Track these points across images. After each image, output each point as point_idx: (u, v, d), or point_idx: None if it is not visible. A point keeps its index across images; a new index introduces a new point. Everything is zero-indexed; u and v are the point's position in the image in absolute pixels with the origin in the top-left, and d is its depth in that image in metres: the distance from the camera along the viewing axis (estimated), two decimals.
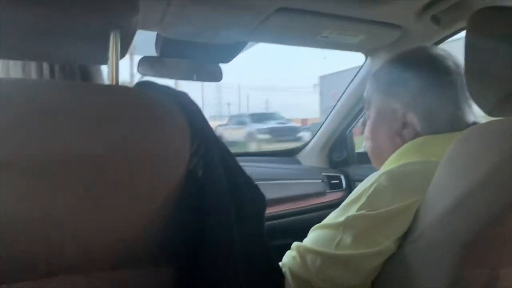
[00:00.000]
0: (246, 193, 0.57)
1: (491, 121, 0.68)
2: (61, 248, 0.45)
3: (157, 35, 1.19)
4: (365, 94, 0.95)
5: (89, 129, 0.43)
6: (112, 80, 0.50)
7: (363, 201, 0.72)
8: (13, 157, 0.41)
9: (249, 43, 1.29)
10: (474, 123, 0.82)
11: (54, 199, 0.43)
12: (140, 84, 0.53)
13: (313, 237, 0.78)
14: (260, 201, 0.60)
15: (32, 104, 0.43)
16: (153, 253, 0.51)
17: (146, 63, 1.23)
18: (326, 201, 1.63)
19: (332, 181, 1.69)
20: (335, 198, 1.65)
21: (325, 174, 1.71)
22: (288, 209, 1.52)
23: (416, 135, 0.83)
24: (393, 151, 0.85)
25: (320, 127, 1.81)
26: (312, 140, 1.85)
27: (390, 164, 0.81)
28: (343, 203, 0.77)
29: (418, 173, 0.74)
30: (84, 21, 0.49)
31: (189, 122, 0.49)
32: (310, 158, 1.84)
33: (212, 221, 0.50)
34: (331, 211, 0.80)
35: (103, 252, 0.48)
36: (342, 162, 1.81)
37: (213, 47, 1.25)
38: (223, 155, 0.54)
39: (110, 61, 0.50)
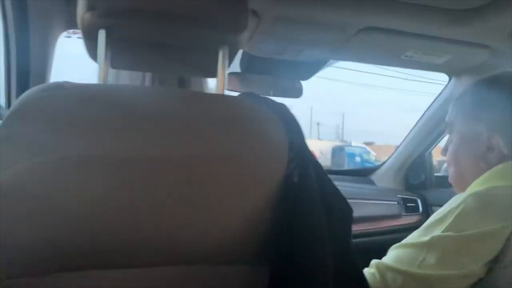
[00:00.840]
0: (336, 203, 0.58)
1: None
2: (167, 240, 0.50)
3: (243, 52, 1.25)
4: (447, 118, 0.93)
5: (203, 132, 0.47)
6: (221, 91, 0.55)
7: (450, 221, 0.71)
8: (125, 155, 0.45)
9: (330, 61, 1.32)
10: None
11: (162, 194, 0.47)
12: (244, 95, 0.57)
13: (394, 255, 0.77)
14: (348, 212, 0.61)
15: (148, 109, 0.48)
16: (249, 251, 0.54)
17: (232, 78, 1.29)
18: (401, 224, 1.58)
19: (408, 204, 1.64)
20: (411, 221, 1.60)
21: (401, 196, 1.66)
22: (362, 229, 1.50)
23: (502, 158, 0.81)
24: (477, 177, 0.83)
25: (397, 147, 1.78)
26: (388, 161, 1.82)
27: (476, 187, 0.79)
28: (426, 223, 0.76)
29: (505, 197, 0.71)
30: (199, 37, 0.54)
31: (287, 132, 0.52)
32: (384, 179, 1.81)
33: (305, 225, 0.52)
34: (406, 234, 0.79)
35: (205, 247, 0.52)
36: (419, 185, 1.75)
37: (294, 63, 1.29)
38: (315, 166, 0.56)
39: (219, 74, 0.54)
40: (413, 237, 0.77)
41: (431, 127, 1.61)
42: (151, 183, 0.47)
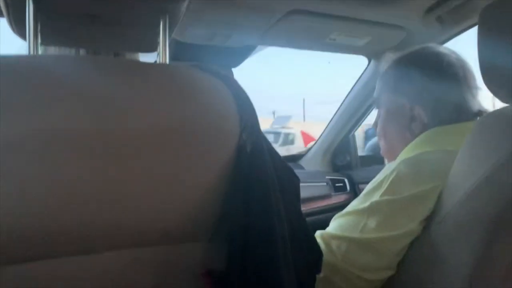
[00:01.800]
0: (285, 172, 0.59)
1: (507, 106, 0.72)
2: (119, 222, 0.47)
3: (171, 40, 1.21)
4: (375, 94, 0.99)
5: (148, 104, 0.45)
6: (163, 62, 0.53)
7: (385, 187, 0.75)
8: (70, 130, 0.42)
9: (258, 47, 1.33)
10: (479, 112, 0.86)
11: (112, 171, 0.45)
12: (193, 65, 0.56)
13: (337, 224, 0.80)
14: (296, 181, 0.62)
15: (95, 79, 0.45)
16: (205, 227, 0.53)
17: None
18: (332, 203, 1.65)
19: (337, 184, 1.71)
20: (340, 200, 1.67)
21: (329, 177, 1.73)
22: None
23: (424, 127, 0.87)
24: (404, 146, 0.89)
25: (322, 132, 1.85)
26: (315, 146, 1.88)
27: (405, 154, 0.85)
28: (364, 192, 0.80)
29: (436, 160, 0.77)
30: (135, 8, 0.51)
31: (236, 101, 0.52)
32: (313, 163, 1.87)
33: (261, 195, 0.52)
34: (337, 212, 0.83)
35: (159, 226, 0.50)
36: (345, 166, 1.84)
37: (223, 50, 1.28)
38: (263, 136, 0.57)
39: (160, 46, 0.52)
40: (353, 205, 0.80)
41: (353, 110, 1.69)
42: (96, 160, 0.44)
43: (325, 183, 1.70)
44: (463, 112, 0.86)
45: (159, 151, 0.47)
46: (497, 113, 0.70)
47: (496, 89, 0.73)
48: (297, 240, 0.59)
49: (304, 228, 0.61)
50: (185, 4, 0.51)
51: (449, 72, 0.88)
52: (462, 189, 0.67)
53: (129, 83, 0.47)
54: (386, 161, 1.02)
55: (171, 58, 1.28)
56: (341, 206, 1.65)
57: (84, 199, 0.44)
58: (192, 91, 0.48)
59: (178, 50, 1.25)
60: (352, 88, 1.66)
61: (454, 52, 0.91)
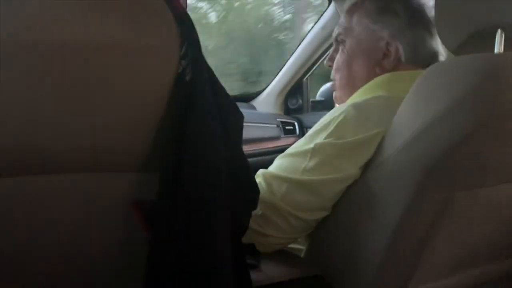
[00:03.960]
0: (228, 106, 0.57)
1: (455, 57, 0.72)
2: (50, 146, 0.44)
3: None
4: (340, 27, 0.94)
5: (79, 16, 0.41)
6: None
7: (331, 129, 0.75)
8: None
9: None
10: None
11: (35, 88, 0.41)
12: None
13: (279, 164, 0.80)
14: (239, 117, 0.61)
15: None
16: (137, 157, 0.51)
17: None
18: (280, 145, 1.66)
19: (287, 127, 1.72)
20: (289, 142, 1.68)
21: (280, 120, 1.73)
22: (245, 151, 1.53)
23: (397, 65, 0.85)
24: (367, 82, 0.86)
25: (278, 73, 1.82)
26: (269, 87, 1.86)
27: (357, 97, 0.84)
28: (310, 132, 0.80)
29: (384, 106, 0.77)
30: None
31: (179, 25, 0.48)
32: (265, 104, 1.86)
33: (198, 127, 0.50)
34: None
35: (92, 152, 0.47)
36: (296, 109, 1.84)
37: None
38: (207, 69, 0.54)
39: None
40: (297, 146, 0.80)
41: (310, 52, 1.67)
42: (29, 75, 0.40)
43: (275, 125, 1.70)
44: (436, 58, 0.86)
45: (87, 68, 0.43)
46: (443, 64, 0.71)
47: (446, 40, 0.73)
48: (235, 176, 0.58)
49: (244, 164, 0.61)
50: None
51: (429, 14, 0.86)
52: (402, 137, 0.68)
53: None
54: (336, 103, 1.00)
55: None
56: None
57: (20, 119, 0.41)
58: (128, 5, 0.44)
59: None
60: (310, 30, 1.63)
61: None
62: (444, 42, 0.74)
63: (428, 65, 0.83)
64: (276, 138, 1.67)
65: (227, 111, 0.57)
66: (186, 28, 0.50)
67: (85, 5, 0.42)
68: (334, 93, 0.99)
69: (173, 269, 0.51)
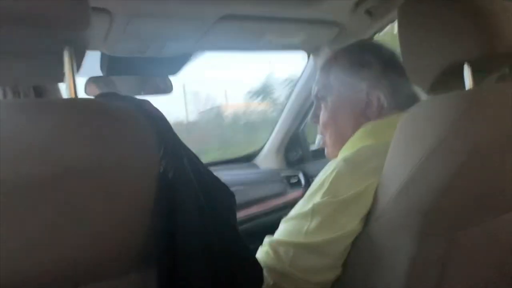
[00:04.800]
0: (216, 191, 0.58)
1: (434, 97, 0.73)
2: (43, 266, 0.45)
3: (102, 54, 1.18)
4: (318, 85, 0.96)
5: (51, 146, 0.43)
6: (71, 95, 0.50)
7: (326, 187, 0.76)
8: None
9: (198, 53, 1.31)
10: None
11: (30, 219, 0.43)
12: (102, 95, 0.54)
13: (283, 229, 0.80)
14: (230, 197, 0.62)
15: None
16: (134, 259, 0.52)
17: (92, 84, 1.21)
18: (288, 200, 1.66)
19: (291, 181, 1.72)
20: (297, 196, 1.68)
21: (284, 174, 1.74)
22: (252, 213, 1.53)
23: (381, 112, 0.87)
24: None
25: (274, 129, 1.85)
26: (267, 143, 1.89)
27: (346, 150, 0.85)
28: (308, 193, 0.80)
29: (373, 156, 0.78)
30: (35, 39, 0.49)
31: (154, 128, 0.50)
32: (267, 160, 1.87)
33: (186, 219, 0.51)
34: None
35: (88, 265, 0.48)
36: (298, 161, 1.85)
37: (160, 60, 1.26)
38: (190, 157, 0.56)
39: (67, 78, 0.50)
40: (297, 208, 0.80)
41: (301, 103, 1.70)
42: (13, 209, 0.42)
43: (279, 181, 1.71)
44: (416, 99, 0.88)
45: (76, 195, 0.45)
46: (420, 106, 0.72)
47: (418, 81, 0.75)
48: (234, 258, 0.58)
49: (241, 244, 0.61)
50: (88, 34, 0.49)
51: (399, 62, 0.89)
52: (394, 184, 0.69)
53: (35, 125, 0.44)
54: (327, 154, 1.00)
55: (106, 73, 1.25)
56: (297, 202, 1.67)
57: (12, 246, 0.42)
58: (103, 126, 0.46)
59: (113, 64, 1.22)
60: (296, 84, 1.67)
61: None
62: (416, 84, 0.76)
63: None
64: (282, 193, 1.67)
65: (215, 195, 0.59)
66: (162, 128, 0.52)
67: (60, 134, 0.44)
68: (325, 150, 1.00)
69: None
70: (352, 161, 0.78)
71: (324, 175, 0.78)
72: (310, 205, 0.76)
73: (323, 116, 0.96)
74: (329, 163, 0.82)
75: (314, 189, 0.79)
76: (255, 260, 0.67)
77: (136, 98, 0.54)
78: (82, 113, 0.46)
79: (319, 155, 1.88)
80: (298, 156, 1.85)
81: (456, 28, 0.68)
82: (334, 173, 0.76)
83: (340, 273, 0.76)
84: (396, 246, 0.68)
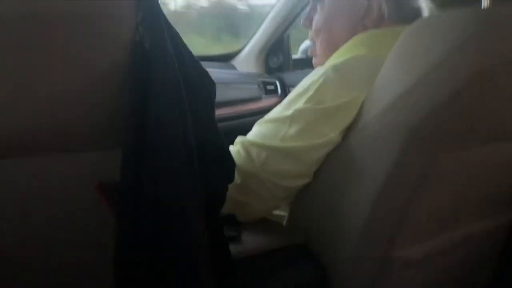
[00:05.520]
0: (196, 75, 0.53)
1: (439, 14, 0.68)
2: (6, 125, 0.40)
3: None
4: None
5: None
6: None
7: (311, 94, 0.71)
8: None
9: None
10: None
11: None
12: None
13: (258, 131, 0.77)
14: (210, 85, 0.56)
15: None
16: (95, 134, 0.47)
17: None
18: (262, 106, 1.62)
19: (268, 87, 1.67)
20: (271, 103, 1.64)
21: (261, 79, 1.68)
22: (225, 114, 1.49)
23: (380, 22, 0.81)
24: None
25: (256, 31, 1.75)
26: (248, 45, 1.80)
27: (337, 57, 0.80)
28: (289, 98, 0.76)
29: (365, 67, 0.73)
30: None
31: None
32: (246, 63, 1.80)
33: (160, 100, 0.46)
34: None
35: (51, 130, 0.43)
36: (278, 68, 1.78)
37: None
38: (172, 35, 0.49)
39: None
40: (276, 112, 0.76)
41: (290, 7, 1.60)
42: None
43: (256, 85, 1.65)
44: (419, 17, 0.81)
45: (42, 40, 0.39)
46: (429, 19, 0.66)
47: None
48: (208, 148, 0.55)
49: (217, 136, 0.57)
50: None
51: None
52: (384, 98, 0.65)
53: None
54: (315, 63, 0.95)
55: None
56: (271, 109, 1.63)
57: None
58: None
59: None
60: None
61: None
62: None
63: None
64: (258, 98, 1.62)
65: (195, 79, 0.53)
66: None
67: None
68: (313, 59, 0.94)
69: (144, 253, 0.48)
70: (342, 69, 0.73)
71: (310, 80, 0.74)
72: (290, 111, 0.72)
73: (317, 20, 0.89)
74: (317, 69, 0.76)
75: (296, 94, 0.74)
76: (230, 156, 0.63)
77: None
78: None
79: (300, 64, 1.82)
80: (279, 63, 1.78)
81: None
82: (321, 80, 0.71)
83: (310, 180, 0.75)
84: (374, 160, 0.66)
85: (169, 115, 0.46)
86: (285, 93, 1.69)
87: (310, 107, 0.71)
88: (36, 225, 0.49)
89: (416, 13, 0.81)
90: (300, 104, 0.72)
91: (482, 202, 0.78)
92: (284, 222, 0.83)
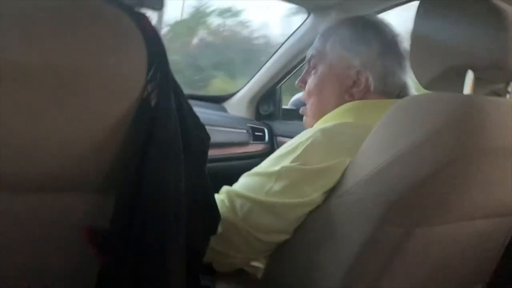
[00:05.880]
0: (194, 130, 0.55)
1: (428, 93, 0.72)
2: (9, 167, 0.41)
3: None
4: (314, 50, 0.94)
5: (41, 36, 0.38)
6: None
7: (298, 153, 0.74)
8: None
9: None
10: None
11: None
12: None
13: (245, 183, 0.79)
14: (206, 140, 0.59)
15: None
16: (97, 178, 0.48)
17: None
18: (249, 152, 1.65)
19: (256, 133, 1.70)
20: (257, 149, 1.67)
21: (250, 125, 1.71)
22: (211, 155, 1.51)
23: (366, 94, 0.86)
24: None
25: (252, 78, 1.80)
26: (242, 90, 1.84)
27: (326, 121, 0.84)
28: (277, 154, 0.79)
29: (352, 134, 0.77)
30: None
31: (148, 47, 0.46)
32: (237, 108, 1.84)
33: (160, 152, 0.48)
34: (252, 161, 0.81)
35: (49, 171, 0.45)
36: (267, 116, 1.82)
37: None
38: (176, 90, 0.52)
39: None
40: (263, 166, 0.79)
41: (285, 61, 1.65)
42: None
43: (245, 130, 1.68)
44: (405, 90, 0.86)
45: (55, 92, 0.41)
46: (416, 97, 0.71)
47: (418, 73, 0.73)
48: (196, 200, 0.57)
49: (205, 189, 0.59)
50: None
51: (401, 47, 0.87)
52: (367, 168, 0.68)
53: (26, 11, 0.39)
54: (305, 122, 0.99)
55: None
56: (257, 155, 1.66)
57: None
58: (95, 28, 0.42)
59: None
60: (287, 39, 1.62)
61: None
62: (416, 76, 0.75)
63: (397, 96, 0.83)
64: (245, 143, 1.65)
65: (193, 133, 0.56)
66: (156, 50, 0.47)
67: (48, 27, 0.39)
68: (304, 118, 0.98)
69: None
70: (329, 133, 0.77)
71: (299, 140, 0.77)
72: (278, 167, 0.75)
73: (310, 83, 0.94)
74: (306, 131, 0.80)
75: (284, 152, 0.77)
76: (217, 209, 0.65)
77: (136, 11, 0.48)
78: (77, 10, 0.41)
79: (290, 115, 1.87)
80: (269, 112, 1.82)
81: (469, 33, 0.66)
82: (309, 141, 0.75)
83: (289, 237, 0.76)
84: (353, 226, 0.69)
85: (164, 173, 0.48)
86: (271, 141, 1.72)
87: (296, 166, 0.74)
88: (19, 262, 0.49)
89: (401, 88, 0.86)
90: (287, 162, 0.75)
91: (456, 276, 0.81)
92: (259, 275, 0.84)
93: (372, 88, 0.85)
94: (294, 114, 1.84)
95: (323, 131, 0.76)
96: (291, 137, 0.84)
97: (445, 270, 0.78)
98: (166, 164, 0.49)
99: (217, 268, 0.77)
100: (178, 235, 0.51)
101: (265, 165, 0.79)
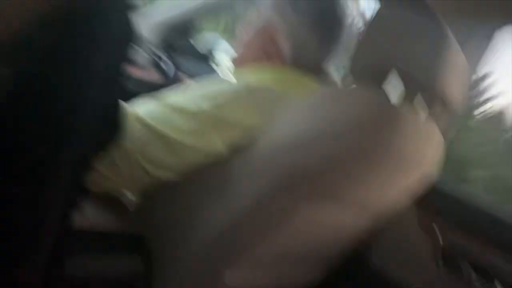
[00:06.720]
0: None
1: (350, 89, 0.72)
2: None
3: None
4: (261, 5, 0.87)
5: None
6: None
7: (218, 102, 0.71)
8: None
9: None
10: None
11: None
12: None
13: (154, 112, 0.72)
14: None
15: None
16: None
17: None
18: (143, 76, 1.53)
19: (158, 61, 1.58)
20: (152, 78, 1.56)
21: (155, 50, 1.59)
22: None
23: (283, 62, 0.81)
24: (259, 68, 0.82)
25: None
26: (159, 8, 1.69)
27: (252, 76, 0.79)
28: (197, 92, 0.73)
29: (273, 101, 0.74)
30: None
31: None
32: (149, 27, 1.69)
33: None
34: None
35: None
36: (176, 49, 1.71)
37: None
38: None
39: None
40: (179, 100, 0.72)
41: None
42: None
43: (147, 54, 1.56)
44: (320, 72, 0.84)
45: None
46: (335, 91, 0.71)
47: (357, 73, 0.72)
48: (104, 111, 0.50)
49: (115, 102, 0.52)
50: None
51: (343, 28, 0.82)
52: (276, 139, 0.69)
53: None
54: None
55: None
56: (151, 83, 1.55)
57: None
58: None
59: None
60: None
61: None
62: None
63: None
64: (142, 67, 1.53)
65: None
66: None
67: None
68: (233, 61, 0.93)
69: None
70: (253, 93, 0.73)
71: (223, 87, 0.73)
72: (194, 107, 0.70)
73: (247, 33, 0.88)
74: (233, 80, 0.76)
75: (206, 95, 0.72)
76: (120, 125, 0.58)
77: None
78: None
79: (200, 56, 1.77)
80: (180, 45, 1.70)
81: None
82: (232, 94, 0.72)
83: (173, 176, 0.73)
84: (248, 187, 0.68)
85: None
86: (171, 76, 1.61)
87: (212, 113, 0.70)
88: None
89: (318, 70, 0.83)
90: (205, 105, 0.70)
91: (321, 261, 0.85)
92: (132, 208, 0.79)
93: (288, 58, 0.81)
94: (206, 58, 1.76)
95: (249, 89, 0.73)
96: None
97: (315, 253, 0.82)
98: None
99: (90, 186, 0.70)
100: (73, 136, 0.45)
101: (182, 100, 0.72)
